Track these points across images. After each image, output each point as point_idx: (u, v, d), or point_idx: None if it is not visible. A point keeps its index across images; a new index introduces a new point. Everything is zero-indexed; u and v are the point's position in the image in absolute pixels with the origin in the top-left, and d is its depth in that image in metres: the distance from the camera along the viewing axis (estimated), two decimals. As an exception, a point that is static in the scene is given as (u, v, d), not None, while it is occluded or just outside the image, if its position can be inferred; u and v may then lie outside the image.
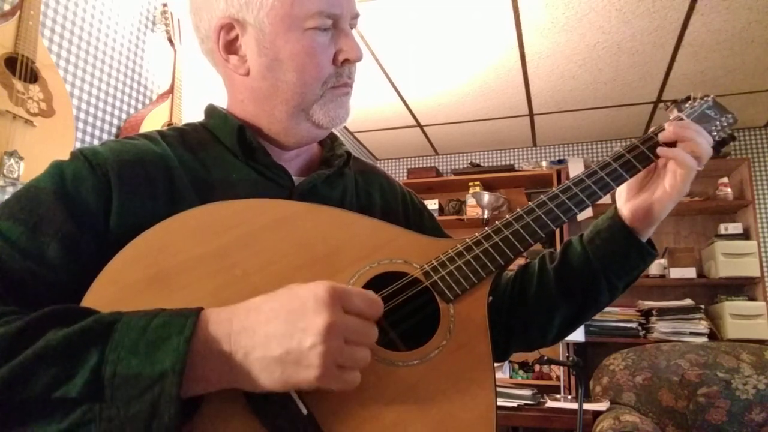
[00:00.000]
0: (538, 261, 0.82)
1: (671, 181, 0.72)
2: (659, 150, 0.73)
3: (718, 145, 0.81)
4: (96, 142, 1.80)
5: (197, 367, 0.46)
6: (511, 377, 3.50)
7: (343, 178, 0.78)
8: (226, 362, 0.47)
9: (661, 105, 3.40)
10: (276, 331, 0.47)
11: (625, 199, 0.76)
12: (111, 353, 0.45)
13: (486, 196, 3.58)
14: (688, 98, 0.83)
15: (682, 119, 0.77)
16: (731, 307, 3.15)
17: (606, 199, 0.77)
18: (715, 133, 0.80)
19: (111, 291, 0.53)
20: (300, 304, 0.47)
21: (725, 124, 0.80)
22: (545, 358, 2.36)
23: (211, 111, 0.76)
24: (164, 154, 0.66)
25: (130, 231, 0.58)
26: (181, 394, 0.44)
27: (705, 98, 0.82)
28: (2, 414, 0.44)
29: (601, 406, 2.34)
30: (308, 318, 0.47)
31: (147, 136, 0.69)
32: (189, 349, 0.45)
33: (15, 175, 1.41)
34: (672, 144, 0.73)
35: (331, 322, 0.46)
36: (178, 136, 0.71)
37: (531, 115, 3.63)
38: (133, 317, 0.48)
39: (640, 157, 0.73)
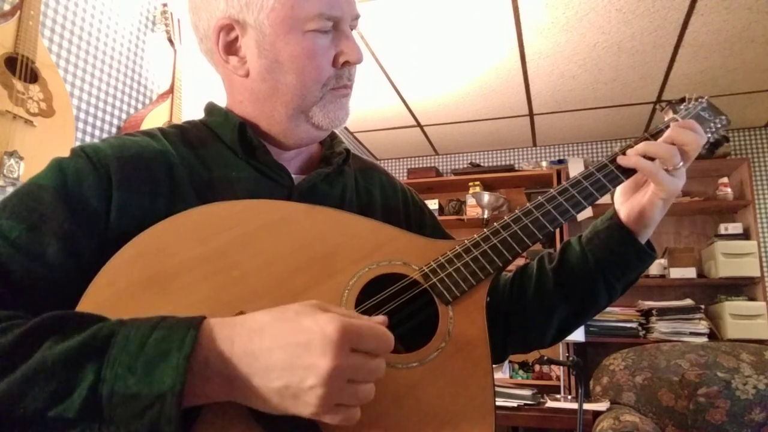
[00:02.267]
0: (537, 262, 0.81)
1: (653, 186, 0.71)
2: (629, 161, 0.72)
3: (713, 146, 0.81)
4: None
5: (196, 385, 0.45)
6: (511, 377, 3.50)
7: (342, 176, 0.78)
8: (225, 383, 0.46)
9: (657, 106, 3.40)
10: (277, 364, 0.45)
11: (621, 201, 0.76)
12: (108, 371, 0.44)
13: (486, 196, 3.58)
14: (682, 99, 0.84)
15: (676, 120, 0.78)
16: (731, 307, 3.15)
17: (606, 199, 0.77)
18: (710, 134, 0.80)
19: (108, 292, 0.53)
20: (306, 339, 0.45)
21: (719, 125, 0.81)
22: (545, 358, 2.36)
23: (212, 108, 0.76)
24: (165, 151, 0.66)
25: (130, 228, 0.58)
26: (180, 411, 0.44)
27: (699, 100, 0.83)
28: None
29: (601, 406, 2.34)
30: (313, 357, 0.45)
31: (148, 133, 0.69)
32: (188, 368, 0.44)
33: (15, 175, 1.41)
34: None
35: (336, 366, 0.44)
36: (179, 133, 0.71)
37: (531, 115, 3.63)
38: (131, 329, 0.46)
39: None
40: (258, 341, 0.46)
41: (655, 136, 0.75)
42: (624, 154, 0.73)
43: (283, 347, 0.46)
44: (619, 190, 0.76)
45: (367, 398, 0.48)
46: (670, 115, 0.81)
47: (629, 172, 0.73)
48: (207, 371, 0.46)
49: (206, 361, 0.46)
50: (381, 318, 0.51)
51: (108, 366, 0.44)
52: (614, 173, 0.73)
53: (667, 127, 0.75)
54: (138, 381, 0.44)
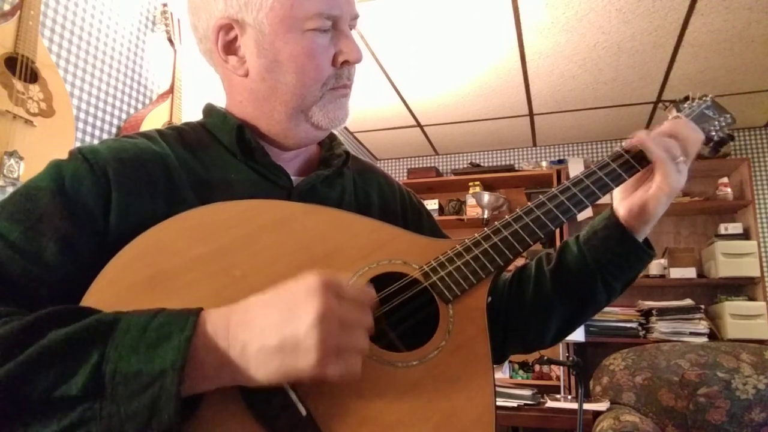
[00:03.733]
0: (535, 262, 0.81)
1: (660, 178, 0.71)
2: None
3: (717, 145, 0.81)
4: (96, 142, 1.80)
5: (197, 365, 0.46)
6: (511, 377, 3.50)
7: (341, 178, 0.78)
8: (225, 357, 0.47)
9: (660, 105, 3.40)
10: (271, 321, 0.47)
11: (620, 198, 0.75)
12: (112, 351, 0.45)
13: (486, 196, 3.58)
14: (686, 98, 0.83)
15: (680, 119, 0.77)
16: (731, 307, 3.15)
17: (606, 199, 0.76)
18: (714, 133, 0.79)
19: (110, 292, 0.53)
20: (293, 294, 0.48)
21: (724, 123, 0.80)
22: (545, 358, 2.37)
23: (210, 110, 0.76)
24: (163, 153, 0.66)
25: (129, 230, 0.58)
26: (181, 392, 0.44)
27: (704, 98, 0.82)
28: (3, 413, 0.44)
29: (601, 406, 2.34)
30: (302, 305, 0.47)
31: (146, 135, 0.69)
32: (189, 347, 0.46)
33: (15, 175, 1.41)
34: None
35: (325, 307, 0.47)
36: (177, 135, 0.71)
37: (531, 115, 3.63)
38: (134, 316, 0.48)
39: (639, 156, 0.73)
40: (252, 311, 0.49)
41: None
42: (626, 153, 0.73)
43: (274, 307, 0.48)
44: (619, 188, 0.75)
45: (363, 344, 0.50)
46: (674, 113, 0.81)
47: (633, 169, 0.73)
48: (206, 351, 0.47)
49: (205, 340, 0.47)
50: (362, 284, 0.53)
51: (111, 347, 0.46)
52: (617, 171, 0.72)
53: None
54: (140, 360, 0.45)
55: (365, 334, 0.50)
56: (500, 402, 2.37)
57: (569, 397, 2.67)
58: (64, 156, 0.63)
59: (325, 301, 0.47)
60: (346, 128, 3.86)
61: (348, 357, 0.48)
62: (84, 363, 0.45)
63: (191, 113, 2.07)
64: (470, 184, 3.91)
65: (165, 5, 2.12)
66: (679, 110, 0.81)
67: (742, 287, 3.38)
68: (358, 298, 0.51)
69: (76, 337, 0.46)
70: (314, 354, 0.46)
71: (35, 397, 0.44)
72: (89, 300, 0.53)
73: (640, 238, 0.74)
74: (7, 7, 1.50)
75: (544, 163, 3.90)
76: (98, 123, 1.84)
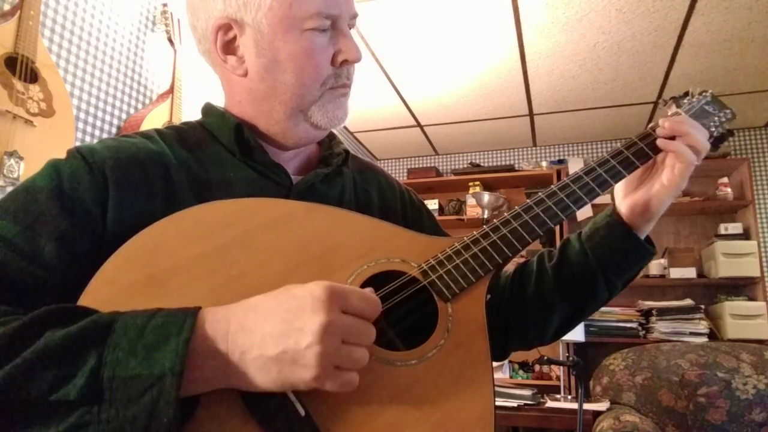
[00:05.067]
0: (537, 259, 0.81)
1: (669, 176, 0.71)
2: (660, 142, 0.73)
3: (717, 141, 0.81)
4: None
5: (195, 368, 0.46)
6: (511, 377, 3.50)
7: (341, 176, 0.78)
8: (224, 362, 0.47)
9: (660, 101, 3.40)
10: (273, 331, 0.47)
11: (622, 196, 0.76)
12: (110, 354, 0.45)
13: (486, 196, 3.58)
14: (686, 94, 0.83)
15: (680, 115, 0.77)
16: (731, 307, 3.15)
17: (606, 198, 0.76)
18: (714, 129, 0.79)
19: (107, 292, 0.53)
20: (297, 303, 0.47)
21: (724, 119, 0.80)
22: (545, 358, 2.36)
23: (209, 109, 0.76)
24: (162, 153, 0.66)
25: (127, 229, 0.58)
26: (180, 396, 0.44)
27: (703, 94, 0.82)
28: (1, 415, 0.43)
29: (601, 406, 2.34)
30: (305, 317, 0.46)
31: (144, 135, 0.69)
32: (188, 351, 0.45)
33: (15, 175, 1.41)
34: (671, 139, 0.73)
35: (328, 322, 0.46)
36: (176, 134, 0.71)
37: (531, 115, 3.63)
38: (131, 317, 0.48)
39: (639, 153, 0.73)
40: (252, 315, 0.48)
41: (656, 132, 0.75)
42: (625, 150, 0.73)
43: (276, 315, 0.47)
44: (621, 186, 0.75)
45: (362, 362, 0.49)
46: (674, 109, 0.81)
47: (632, 166, 0.73)
48: (205, 354, 0.47)
49: (204, 344, 0.47)
50: (369, 289, 0.53)
51: (109, 350, 0.45)
52: (616, 168, 0.72)
53: None
54: (138, 363, 0.45)
55: (366, 348, 0.50)
56: (500, 402, 2.37)
57: (569, 397, 2.67)
58: (64, 156, 0.63)
59: (329, 315, 0.46)
60: (345, 128, 3.86)
61: (346, 371, 0.48)
62: (82, 366, 0.44)
63: (191, 113, 2.07)
64: (470, 184, 3.91)
65: (165, 5, 2.13)
66: (678, 106, 0.81)
67: (742, 287, 3.38)
68: (363, 311, 0.50)
69: (73, 340, 0.45)
70: (313, 369, 0.46)
71: (32, 400, 0.44)
72: (86, 299, 0.52)
73: (642, 236, 0.74)
74: (7, 7, 1.51)
75: (544, 163, 3.90)
76: (98, 123, 1.85)
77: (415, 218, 0.85)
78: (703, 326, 3.10)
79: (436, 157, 4.45)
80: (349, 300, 0.49)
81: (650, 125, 0.76)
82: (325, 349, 0.46)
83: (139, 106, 2.03)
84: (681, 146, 0.71)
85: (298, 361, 0.46)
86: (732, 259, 3.18)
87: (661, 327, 3.15)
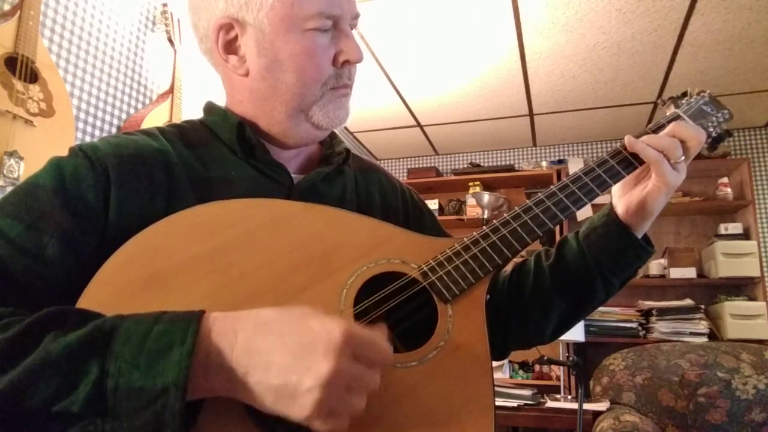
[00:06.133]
0: (534, 258, 0.81)
1: (655, 176, 0.71)
2: (639, 150, 0.72)
3: (715, 141, 0.81)
4: (96, 142, 1.80)
5: (199, 379, 0.46)
6: (511, 377, 3.50)
7: (342, 175, 0.78)
8: (226, 376, 0.46)
9: (659, 101, 3.40)
10: (279, 361, 0.45)
11: (619, 195, 0.76)
12: (112, 365, 0.44)
13: (486, 196, 3.58)
14: (684, 94, 0.83)
15: (678, 115, 0.77)
16: (731, 307, 3.15)
17: (607, 198, 0.77)
18: (712, 129, 0.79)
19: (106, 292, 0.53)
20: (311, 340, 0.46)
21: (722, 120, 0.80)
22: (545, 358, 2.36)
23: (211, 108, 0.76)
24: (163, 150, 0.66)
25: (129, 227, 0.58)
26: (183, 407, 0.44)
27: (702, 94, 0.82)
28: (2, 424, 0.43)
29: (601, 406, 2.34)
30: (315, 358, 0.45)
31: (146, 132, 0.69)
32: (191, 362, 0.44)
33: (15, 175, 1.41)
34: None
35: (337, 371, 0.45)
36: (177, 132, 0.71)
37: (531, 115, 3.63)
38: (133, 324, 0.47)
39: (636, 154, 0.73)
40: (262, 336, 0.46)
41: (657, 131, 0.75)
42: (624, 150, 0.73)
43: (287, 345, 0.46)
44: (618, 185, 0.76)
45: (358, 411, 0.48)
46: (672, 109, 0.81)
47: (631, 166, 0.73)
48: (208, 365, 0.46)
49: (207, 355, 0.46)
50: (383, 327, 0.51)
51: (111, 360, 0.44)
52: (615, 169, 0.72)
53: (669, 122, 0.75)
54: (142, 375, 0.44)
55: (365, 398, 0.49)
56: (500, 402, 2.37)
57: (569, 397, 2.67)
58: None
59: (338, 363, 0.45)
60: (346, 128, 3.86)
61: (339, 417, 0.47)
62: (84, 377, 0.44)
63: (191, 113, 2.07)
64: (470, 184, 3.91)
65: (165, 5, 2.12)
66: (677, 106, 0.81)
67: (742, 287, 3.38)
68: (374, 360, 0.48)
69: (74, 349, 0.45)
70: (306, 411, 0.45)
71: (34, 412, 0.43)
72: (86, 299, 0.52)
73: (639, 235, 0.74)
74: (7, 7, 1.50)
75: (544, 163, 3.90)
76: (98, 123, 1.84)
77: (416, 217, 0.85)
78: (703, 326, 3.10)
79: (436, 157, 4.45)
80: (363, 348, 0.47)
81: (649, 126, 0.77)
82: (325, 395, 0.45)
83: (139, 106, 2.03)
84: (651, 152, 0.70)
85: (296, 399, 0.45)
86: (732, 259, 3.18)
87: (661, 327, 3.15)
